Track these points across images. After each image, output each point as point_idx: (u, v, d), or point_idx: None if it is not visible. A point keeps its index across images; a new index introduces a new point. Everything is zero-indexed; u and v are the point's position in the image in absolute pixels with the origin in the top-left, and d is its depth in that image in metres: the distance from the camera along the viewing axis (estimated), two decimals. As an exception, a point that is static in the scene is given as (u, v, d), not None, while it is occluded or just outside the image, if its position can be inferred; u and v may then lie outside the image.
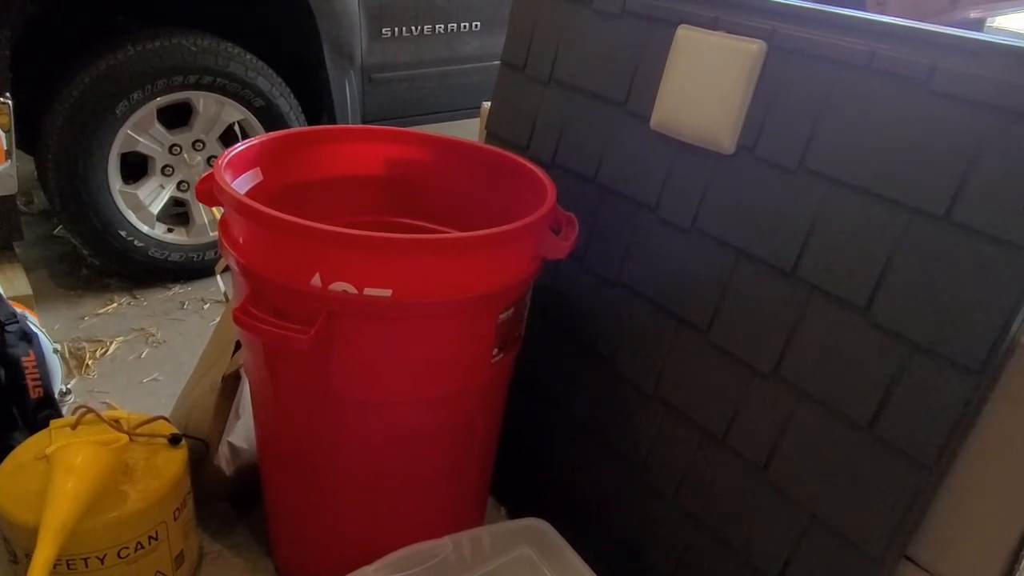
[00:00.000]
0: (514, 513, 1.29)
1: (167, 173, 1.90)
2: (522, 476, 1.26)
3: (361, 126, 1.16)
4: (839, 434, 0.80)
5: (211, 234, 1.98)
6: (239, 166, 1.01)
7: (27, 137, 1.84)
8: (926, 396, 0.73)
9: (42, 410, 1.26)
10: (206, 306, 1.93)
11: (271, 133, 1.08)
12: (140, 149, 1.82)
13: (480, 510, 1.19)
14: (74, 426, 1.03)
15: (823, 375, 0.82)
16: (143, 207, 1.87)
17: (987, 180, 0.69)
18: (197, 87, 1.80)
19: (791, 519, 0.85)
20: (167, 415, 1.16)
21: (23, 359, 1.24)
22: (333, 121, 2.02)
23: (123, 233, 1.84)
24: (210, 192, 0.93)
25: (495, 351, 0.96)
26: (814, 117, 0.82)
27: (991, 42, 0.69)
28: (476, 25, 2.18)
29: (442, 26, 2.12)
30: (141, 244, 1.88)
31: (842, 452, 0.80)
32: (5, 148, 1.57)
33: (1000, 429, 0.73)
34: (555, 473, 1.19)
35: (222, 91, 1.84)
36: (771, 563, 0.88)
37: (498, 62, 1.24)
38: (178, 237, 1.96)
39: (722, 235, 0.92)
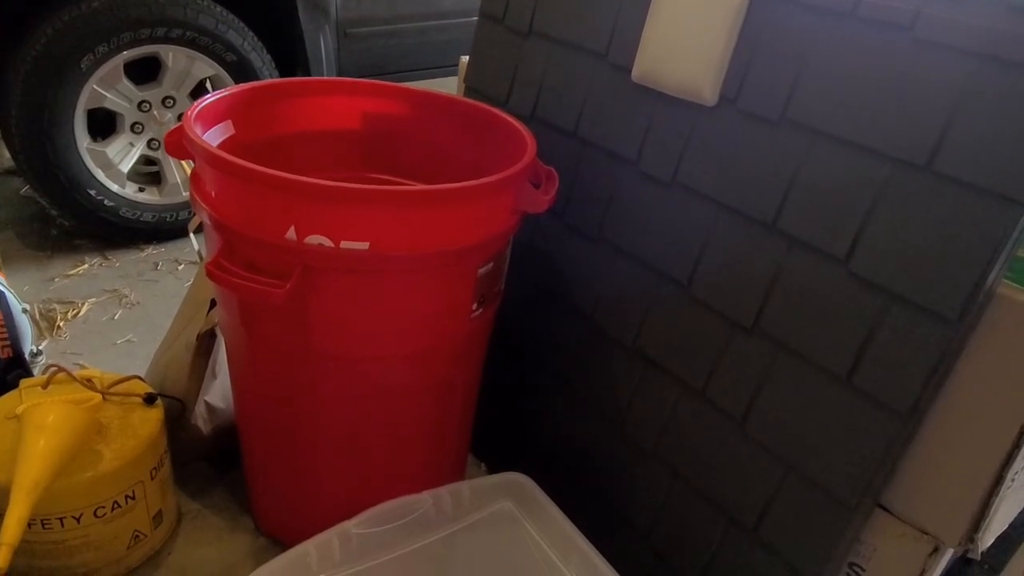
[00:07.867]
0: (494, 469, 1.29)
1: (137, 130, 1.85)
2: (502, 432, 1.27)
3: (337, 78, 1.13)
4: (817, 385, 0.81)
5: (184, 193, 1.94)
6: (209, 118, 0.98)
7: (-12, 93, 1.77)
8: (903, 346, 0.74)
9: (11, 370, 1.24)
10: (180, 267, 1.89)
11: (243, 84, 1.04)
12: (107, 105, 1.77)
13: (460, 467, 1.19)
14: (45, 385, 1.01)
15: (802, 327, 0.82)
16: (112, 165, 1.82)
17: (969, 130, 0.69)
18: (165, 40, 1.74)
19: (768, 470, 0.86)
20: (142, 375, 1.14)
21: (-10, 318, 1.21)
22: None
23: (92, 192, 1.79)
24: (180, 144, 0.90)
25: (474, 306, 0.95)
26: (797, 66, 0.81)
27: (977, -13, 0.68)
28: (454, -21, 2.13)
29: (419, -20, 2.07)
30: (112, 204, 1.83)
31: (819, 403, 0.81)
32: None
33: (974, 378, 0.74)
34: (535, 428, 1.19)
35: (191, 45, 1.78)
36: (748, 513, 0.89)
37: (476, 18, 1.21)
38: (150, 197, 1.91)
39: (703, 188, 0.91)
